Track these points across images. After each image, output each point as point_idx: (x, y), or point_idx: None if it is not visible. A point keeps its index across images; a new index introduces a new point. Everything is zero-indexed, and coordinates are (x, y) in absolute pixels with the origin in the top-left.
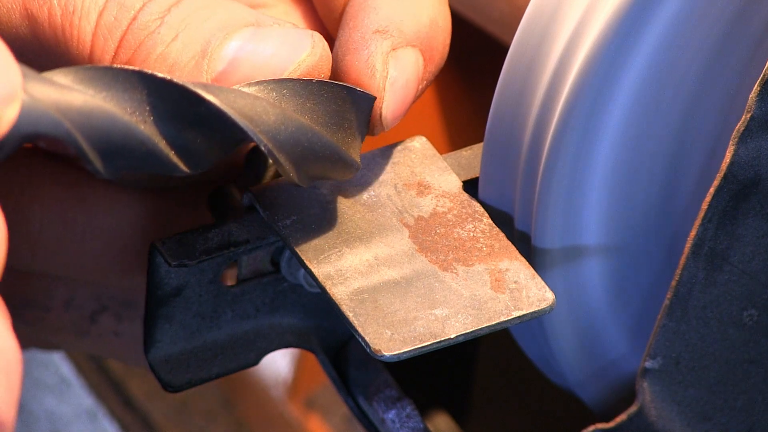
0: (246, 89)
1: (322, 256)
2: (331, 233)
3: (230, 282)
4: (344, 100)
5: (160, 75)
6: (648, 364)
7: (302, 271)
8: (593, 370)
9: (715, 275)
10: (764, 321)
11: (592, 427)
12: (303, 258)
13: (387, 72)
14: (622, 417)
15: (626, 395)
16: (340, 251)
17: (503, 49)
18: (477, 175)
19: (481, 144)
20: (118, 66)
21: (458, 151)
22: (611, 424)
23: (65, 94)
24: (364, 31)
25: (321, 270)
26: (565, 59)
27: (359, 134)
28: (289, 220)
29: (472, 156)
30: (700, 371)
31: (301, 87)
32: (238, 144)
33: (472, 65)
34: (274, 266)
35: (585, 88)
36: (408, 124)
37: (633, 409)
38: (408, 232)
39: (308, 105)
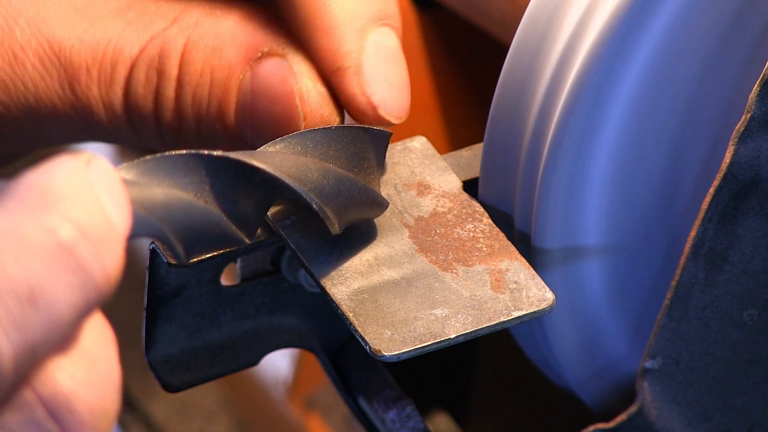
0: (272, 148)
1: (322, 257)
2: (331, 233)
3: (229, 282)
4: (362, 140)
5: (215, 153)
6: (648, 364)
7: (302, 271)
8: (593, 370)
9: (715, 275)
10: (764, 321)
11: (592, 427)
12: (303, 258)
13: (373, 104)
14: (622, 417)
15: (626, 395)
16: (340, 251)
17: (503, 49)
18: (477, 175)
19: (481, 144)
20: (174, 152)
21: (458, 151)
22: (611, 424)
23: (145, 191)
24: (326, 74)
25: (321, 270)
26: (565, 59)
27: (378, 171)
28: (289, 220)
29: (472, 156)
30: (700, 371)
31: (322, 136)
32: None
33: (472, 65)
34: (274, 266)
35: (585, 89)
36: (408, 124)
37: (633, 409)
38: (408, 232)
39: (331, 152)
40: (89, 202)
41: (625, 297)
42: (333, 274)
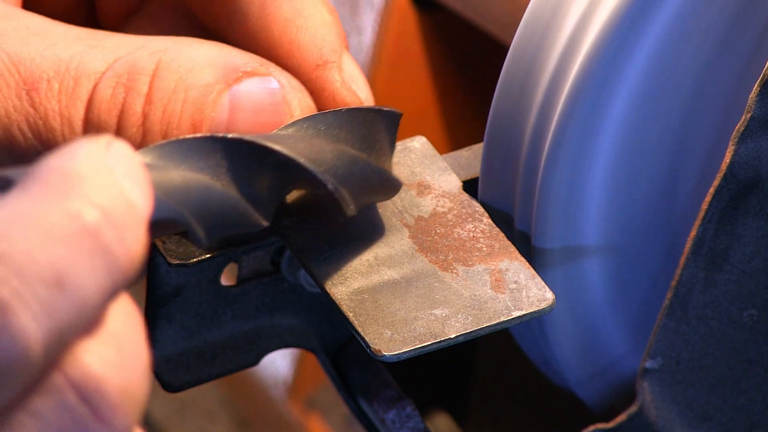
0: (284, 131)
1: (322, 256)
2: (331, 233)
3: (229, 282)
4: (372, 121)
5: (230, 135)
6: (648, 364)
7: (302, 271)
8: (593, 370)
9: (715, 275)
10: (764, 321)
11: (592, 427)
12: (303, 258)
13: (357, 93)
14: (622, 417)
15: (626, 395)
16: (340, 251)
17: (503, 49)
18: (477, 175)
19: (481, 144)
20: (191, 136)
21: (458, 151)
22: (611, 424)
23: (164, 174)
24: (309, 70)
25: (321, 270)
26: (565, 59)
27: (390, 151)
28: (289, 220)
29: (472, 156)
30: (700, 371)
31: (333, 118)
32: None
33: (472, 65)
34: (274, 266)
35: (585, 88)
36: (408, 124)
37: (633, 409)
38: (408, 232)
39: (342, 134)
40: (111, 185)
41: (625, 297)
42: (333, 274)
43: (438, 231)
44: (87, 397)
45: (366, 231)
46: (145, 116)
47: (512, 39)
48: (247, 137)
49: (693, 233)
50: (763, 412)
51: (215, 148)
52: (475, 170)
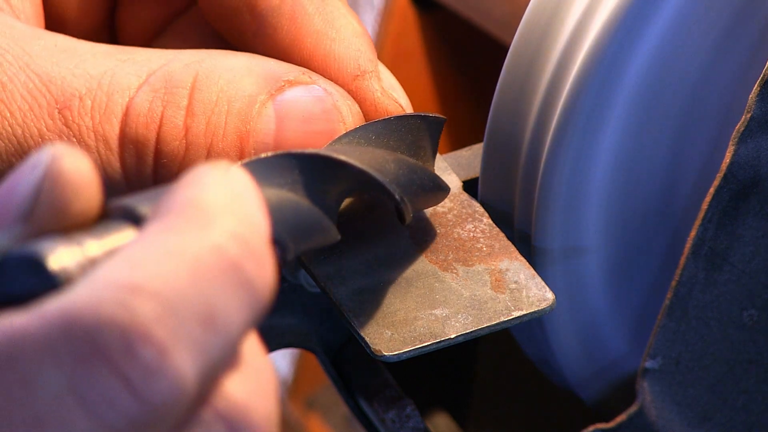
0: (338, 144)
1: (322, 256)
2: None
3: None
4: (418, 128)
5: (308, 151)
6: (648, 364)
7: (302, 271)
8: (593, 370)
9: (715, 275)
10: (764, 321)
11: (592, 427)
12: (303, 258)
13: (398, 101)
14: (622, 417)
15: (626, 395)
16: (340, 251)
17: (503, 49)
18: (477, 175)
19: (481, 144)
20: (269, 154)
21: (458, 151)
22: (611, 424)
23: (261, 194)
24: (347, 81)
25: (321, 270)
26: (565, 59)
27: (433, 157)
28: None
29: (472, 156)
30: (700, 371)
31: (383, 127)
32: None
33: (472, 65)
34: None
35: (585, 88)
36: None
37: (633, 409)
38: (408, 232)
39: (392, 143)
40: (243, 214)
41: (625, 297)
42: (333, 274)
43: (438, 231)
44: (235, 427)
45: (366, 231)
46: (187, 129)
47: (512, 39)
48: (322, 152)
49: (693, 233)
50: (763, 412)
51: (292, 164)
52: (475, 170)
